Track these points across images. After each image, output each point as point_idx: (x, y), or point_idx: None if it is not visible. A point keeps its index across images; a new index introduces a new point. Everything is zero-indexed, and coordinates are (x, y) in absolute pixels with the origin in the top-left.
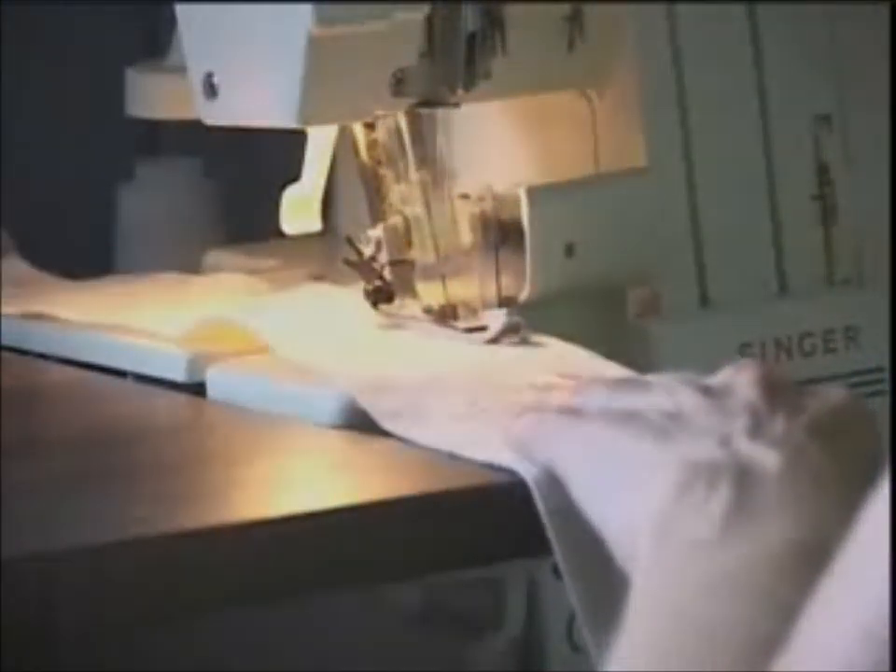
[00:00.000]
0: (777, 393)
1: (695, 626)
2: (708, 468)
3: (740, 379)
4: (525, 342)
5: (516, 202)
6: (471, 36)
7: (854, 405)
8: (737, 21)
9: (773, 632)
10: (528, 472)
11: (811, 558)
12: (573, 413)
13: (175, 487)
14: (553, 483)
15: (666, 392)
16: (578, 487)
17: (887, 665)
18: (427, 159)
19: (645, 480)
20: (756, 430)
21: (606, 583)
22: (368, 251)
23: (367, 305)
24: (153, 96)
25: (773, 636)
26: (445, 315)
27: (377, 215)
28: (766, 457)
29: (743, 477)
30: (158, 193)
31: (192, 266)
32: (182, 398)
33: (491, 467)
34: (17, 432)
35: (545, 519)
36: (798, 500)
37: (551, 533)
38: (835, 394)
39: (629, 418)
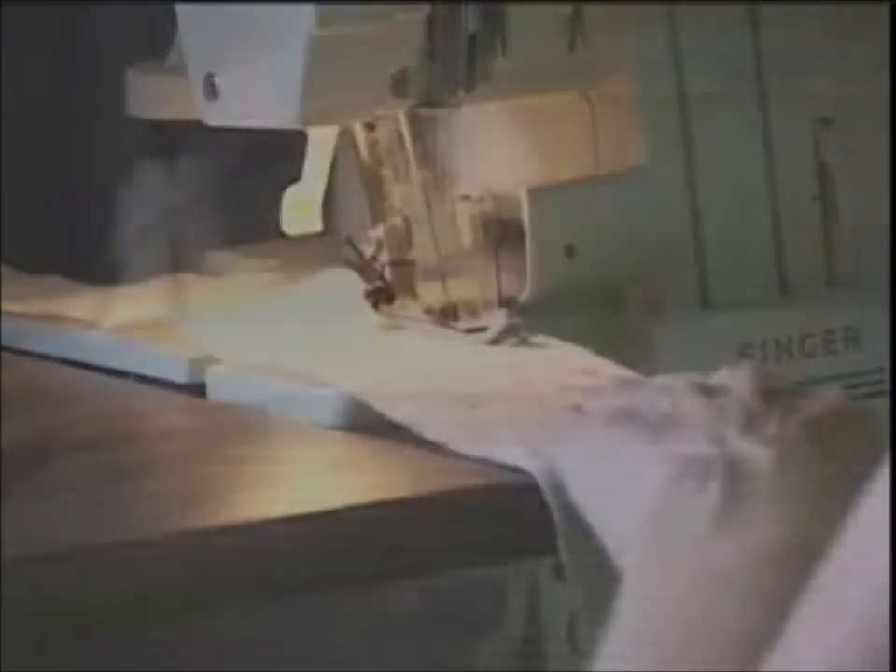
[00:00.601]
0: (772, 393)
1: (687, 621)
2: (700, 464)
3: (736, 379)
4: (524, 342)
5: (516, 202)
6: (472, 37)
7: (848, 407)
8: (737, 22)
9: (763, 626)
10: (536, 470)
11: (801, 554)
12: (576, 411)
13: (175, 487)
14: (559, 480)
15: (662, 391)
16: (578, 485)
17: (883, 663)
18: (428, 159)
19: (638, 477)
20: (749, 428)
21: (607, 582)
22: (368, 251)
23: (357, 305)
24: (153, 96)
25: (763, 630)
26: (446, 316)
27: (378, 215)
28: (758, 454)
29: (734, 473)
30: (158, 193)
31: (192, 266)
32: (182, 398)
33: (498, 465)
34: (17, 432)
35: (554, 516)
36: (789, 496)
37: (557, 529)
38: (830, 395)
39: (625, 417)
